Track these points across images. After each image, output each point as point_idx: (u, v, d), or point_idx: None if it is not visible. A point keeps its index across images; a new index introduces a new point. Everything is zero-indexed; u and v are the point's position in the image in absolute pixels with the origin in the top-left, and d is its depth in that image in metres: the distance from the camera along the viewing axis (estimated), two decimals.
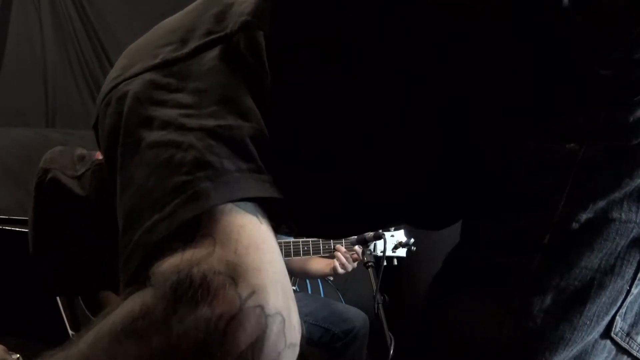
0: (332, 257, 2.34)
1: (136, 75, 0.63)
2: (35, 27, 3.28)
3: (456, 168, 0.69)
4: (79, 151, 0.88)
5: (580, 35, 0.57)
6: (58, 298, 1.42)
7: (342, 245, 2.33)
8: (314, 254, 2.31)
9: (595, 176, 0.57)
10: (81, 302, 2.04)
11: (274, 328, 0.50)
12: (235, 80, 0.60)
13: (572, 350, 0.59)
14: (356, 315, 2.32)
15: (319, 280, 2.86)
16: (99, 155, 0.85)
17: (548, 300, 0.58)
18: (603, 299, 0.59)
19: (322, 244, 2.30)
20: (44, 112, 3.21)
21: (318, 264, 2.40)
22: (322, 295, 2.80)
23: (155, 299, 0.51)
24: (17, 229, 1.44)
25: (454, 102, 0.66)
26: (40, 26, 3.28)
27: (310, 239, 2.27)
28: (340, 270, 2.29)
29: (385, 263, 2.09)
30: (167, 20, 0.74)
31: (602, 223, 0.57)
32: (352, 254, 2.31)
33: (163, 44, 0.66)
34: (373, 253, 2.23)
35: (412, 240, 2.38)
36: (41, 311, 1.41)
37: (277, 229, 0.71)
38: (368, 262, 2.12)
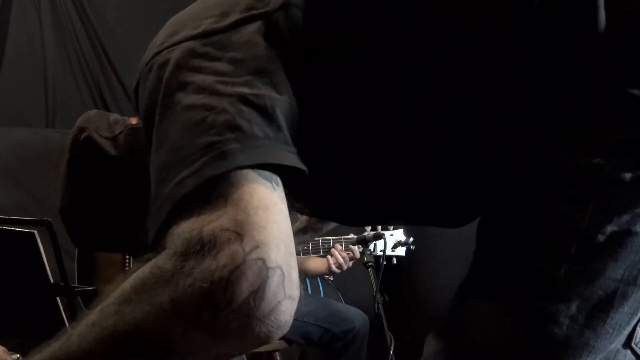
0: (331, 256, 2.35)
1: (178, 43, 0.66)
2: (35, 27, 3.28)
3: (460, 168, 0.70)
4: (114, 116, 0.95)
5: (611, 57, 0.59)
6: (58, 298, 1.42)
7: (342, 245, 2.33)
8: (313, 253, 2.32)
9: (620, 190, 0.59)
10: (81, 303, 2.04)
11: (275, 279, 0.52)
12: (271, 54, 0.63)
13: (595, 358, 0.62)
14: (356, 315, 2.32)
15: (319, 280, 2.86)
16: (133, 120, 0.91)
17: (573, 308, 0.60)
18: (625, 309, 0.61)
19: (322, 243, 2.30)
20: (44, 112, 3.21)
21: (315, 263, 2.40)
22: (322, 295, 2.80)
23: (165, 258, 0.54)
24: (17, 229, 1.44)
25: (457, 103, 0.66)
26: (40, 26, 3.28)
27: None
28: (335, 269, 2.30)
29: (385, 262, 2.09)
30: None
31: (626, 236, 0.59)
32: (349, 253, 2.32)
33: (205, 16, 0.68)
34: (373, 253, 2.23)
35: (412, 239, 2.38)
36: (41, 311, 1.42)
37: (293, 204, 0.76)
38: (368, 262, 2.12)
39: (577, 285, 0.61)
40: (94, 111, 0.98)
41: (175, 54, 0.64)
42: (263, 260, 0.52)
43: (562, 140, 0.61)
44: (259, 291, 0.51)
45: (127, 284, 0.56)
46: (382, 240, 2.06)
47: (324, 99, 0.68)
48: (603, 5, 0.60)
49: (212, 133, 0.57)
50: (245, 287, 0.51)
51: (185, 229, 0.54)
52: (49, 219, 1.40)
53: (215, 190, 0.55)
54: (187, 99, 0.60)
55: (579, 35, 0.61)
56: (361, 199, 0.77)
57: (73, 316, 1.36)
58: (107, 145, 0.89)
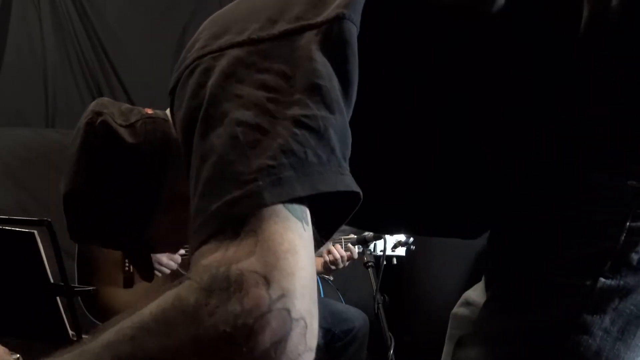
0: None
1: (222, 49, 0.64)
2: (35, 27, 3.28)
3: (473, 180, 0.71)
4: (125, 105, 0.92)
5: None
6: (58, 298, 1.42)
7: (342, 245, 2.34)
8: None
9: None
10: (81, 303, 2.04)
11: (297, 331, 0.52)
12: (323, 69, 0.61)
13: None
14: (356, 315, 2.32)
15: (319, 280, 2.86)
16: (149, 110, 0.89)
17: (607, 320, 0.64)
18: None
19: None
20: (44, 112, 3.22)
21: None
22: (322, 295, 2.80)
23: (189, 291, 0.53)
24: (17, 229, 1.44)
25: (468, 112, 0.68)
26: (40, 26, 3.28)
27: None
28: (331, 265, 2.31)
29: (385, 262, 2.09)
30: None
31: None
32: (348, 253, 2.33)
33: (250, 20, 0.66)
34: (373, 253, 2.23)
35: (412, 239, 2.39)
36: (41, 311, 1.41)
37: None
38: (368, 262, 2.13)
39: (611, 299, 0.64)
40: (106, 98, 0.93)
41: (221, 62, 0.62)
42: (288, 311, 0.51)
43: (598, 164, 0.65)
44: (281, 343, 0.51)
45: (147, 310, 0.55)
46: (382, 240, 2.07)
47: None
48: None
49: (266, 156, 0.56)
50: (268, 338, 0.50)
51: (213, 262, 0.53)
52: (49, 219, 1.40)
53: (248, 222, 0.54)
54: (237, 113, 0.58)
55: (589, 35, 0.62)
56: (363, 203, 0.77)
57: (73, 316, 1.36)
58: (124, 133, 0.85)
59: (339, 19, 0.62)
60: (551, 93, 0.64)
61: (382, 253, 2.05)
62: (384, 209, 0.79)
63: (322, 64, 0.60)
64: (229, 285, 0.51)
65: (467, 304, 0.83)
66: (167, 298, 0.54)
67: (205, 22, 0.73)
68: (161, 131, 0.85)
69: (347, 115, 0.63)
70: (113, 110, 0.87)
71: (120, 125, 0.85)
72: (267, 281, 0.51)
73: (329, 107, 0.59)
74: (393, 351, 1.89)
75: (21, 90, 3.24)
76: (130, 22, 3.29)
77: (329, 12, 0.63)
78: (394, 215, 0.82)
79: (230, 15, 0.71)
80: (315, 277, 0.56)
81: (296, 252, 0.53)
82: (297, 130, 0.57)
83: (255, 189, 0.54)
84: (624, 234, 0.63)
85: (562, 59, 0.64)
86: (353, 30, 0.63)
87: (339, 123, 0.60)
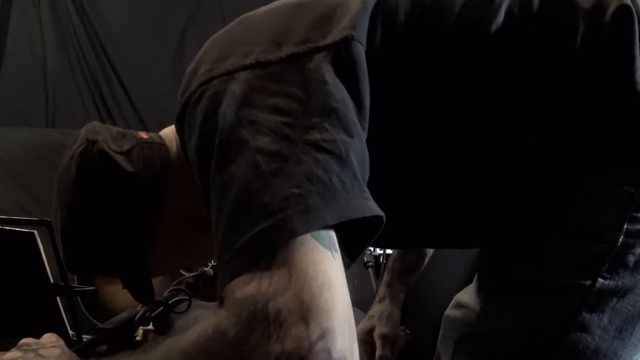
0: None
1: (229, 72, 0.63)
2: (35, 27, 3.28)
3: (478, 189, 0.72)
4: (115, 129, 0.87)
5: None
6: (58, 298, 1.42)
7: None
8: None
9: None
10: (81, 303, 2.04)
11: None
12: (336, 91, 0.61)
13: None
14: (356, 315, 2.31)
15: None
16: (143, 134, 0.85)
17: (605, 319, 0.66)
18: None
19: None
20: (44, 112, 3.22)
21: None
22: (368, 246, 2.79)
23: (229, 324, 0.54)
24: (17, 229, 1.44)
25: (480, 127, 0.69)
26: (40, 26, 3.28)
27: None
28: None
29: (385, 261, 2.08)
30: (253, 14, 0.73)
31: None
32: None
33: (254, 42, 0.65)
34: (373, 253, 2.23)
35: None
36: (41, 311, 1.41)
37: None
38: (368, 262, 2.12)
39: (609, 299, 0.66)
40: (96, 122, 0.88)
41: (231, 87, 0.62)
42: (329, 352, 0.52)
43: (596, 170, 0.66)
44: None
45: (187, 342, 0.56)
46: None
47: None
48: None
49: (292, 184, 0.55)
50: None
51: (249, 297, 0.53)
52: (49, 219, 1.40)
53: (279, 254, 0.54)
54: (255, 141, 0.58)
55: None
56: None
57: (73, 316, 1.36)
58: (121, 161, 0.80)
59: (347, 40, 0.63)
60: (550, 104, 0.66)
61: (381, 252, 2.04)
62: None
63: (335, 86, 0.61)
64: (268, 324, 0.51)
65: (460, 306, 0.84)
66: (207, 328, 0.55)
67: (205, 46, 0.72)
68: (159, 157, 0.82)
69: (364, 135, 0.63)
70: (106, 136, 0.83)
71: (117, 152, 0.81)
72: (306, 320, 0.51)
73: (347, 130, 0.60)
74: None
75: (21, 90, 3.24)
76: (130, 22, 3.29)
77: (336, 34, 0.63)
78: (392, 225, 0.82)
79: (230, 37, 0.70)
80: (351, 307, 0.56)
81: (331, 286, 0.54)
82: (319, 156, 0.57)
83: (285, 219, 0.54)
84: (621, 237, 0.65)
85: (559, 71, 0.66)
86: (361, 50, 0.64)
87: (358, 146, 0.60)
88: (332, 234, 0.57)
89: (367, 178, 0.62)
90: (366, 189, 0.60)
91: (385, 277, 1.41)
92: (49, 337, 0.84)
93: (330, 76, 0.61)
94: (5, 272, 1.49)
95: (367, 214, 0.57)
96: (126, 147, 0.82)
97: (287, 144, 0.57)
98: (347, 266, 0.59)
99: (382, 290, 1.36)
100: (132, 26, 3.28)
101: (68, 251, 0.85)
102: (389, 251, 2.36)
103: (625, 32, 0.64)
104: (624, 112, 0.65)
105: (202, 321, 0.57)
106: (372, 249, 2.28)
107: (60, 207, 0.82)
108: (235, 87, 0.61)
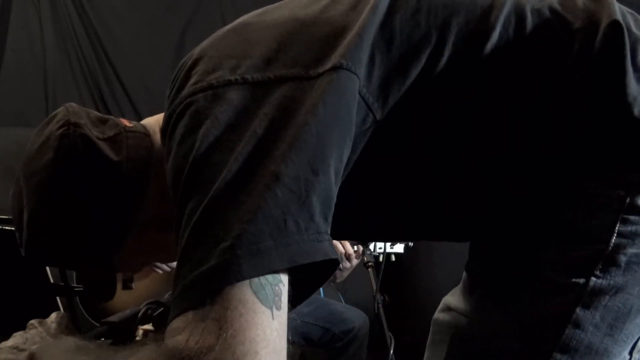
0: None
1: (212, 87, 0.62)
2: (35, 27, 3.28)
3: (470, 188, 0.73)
4: (95, 113, 0.82)
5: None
6: (58, 298, 1.43)
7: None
8: None
9: (639, 219, 0.67)
10: (80, 304, 2.04)
11: None
12: (315, 123, 0.60)
13: None
14: (356, 315, 2.32)
15: None
16: (126, 122, 0.80)
17: (597, 317, 0.68)
18: (636, 320, 0.70)
19: None
20: (44, 112, 3.21)
21: None
22: (322, 295, 2.80)
23: None
24: None
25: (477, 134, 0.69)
26: (40, 26, 3.28)
27: None
28: (345, 262, 2.27)
29: (384, 260, 2.09)
30: (252, 21, 0.71)
31: None
32: (356, 251, 2.31)
33: (243, 55, 0.65)
34: (372, 253, 2.23)
35: None
36: (41, 311, 1.42)
37: None
38: (368, 262, 2.13)
39: (602, 297, 0.68)
40: (74, 104, 0.82)
41: (215, 110, 0.61)
42: None
43: (589, 175, 0.68)
44: None
45: None
46: None
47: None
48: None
49: (247, 220, 0.55)
50: None
51: (177, 349, 0.54)
52: None
53: (216, 304, 0.54)
54: (226, 170, 0.57)
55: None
56: (360, 215, 0.78)
57: (73, 316, 1.36)
58: (105, 148, 0.74)
59: (336, 69, 0.62)
60: (545, 112, 0.68)
61: (381, 251, 2.05)
62: (378, 219, 0.80)
63: (313, 116, 0.60)
64: None
65: (448, 309, 0.84)
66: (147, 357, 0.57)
67: (198, 50, 0.70)
68: (144, 148, 0.77)
69: (337, 165, 0.62)
70: (87, 120, 0.77)
71: (99, 139, 0.75)
72: None
73: (313, 168, 0.59)
74: (393, 351, 1.89)
75: (21, 90, 3.24)
76: (130, 22, 3.29)
77: (327, 62, 0.63)
78: (388, 224, 0.82)
79: (223, 45, 0.69)
80: None
81: (256, 354, 0.54)
82: (278, 192, 0.56)
83: (232, 260, 0.54)
84: (614, 238, 0.67)
85: (554, 84, 0.68)
86: (351, 79, 0.63)
87: (322, 185, 0.60)
88: (280, 277, 0.57)
89: (329, 216, 0.61)
90: (324, 228, 0.60)
91: None
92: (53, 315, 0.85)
93: (311, 105, 0.60)
94: (5, 272, 1.49)
95: (318, 259, 0.58)
96: (109, 133, 0.76)
97: (254, 175, 0.57)
98: (293, 307, 0.60)
99: None
100: (132, 26, 3.28)
101: (31, 236, 0.78)
102: (389, 251, 2.37)
103: (617, 47, 0.66)
104: (615, 122, 0.67)
105: (146, 349, 0.59)
106: (372, 248, 2.28)
107: (29, 191, 0.76)
108: (219, 111, 0.60)
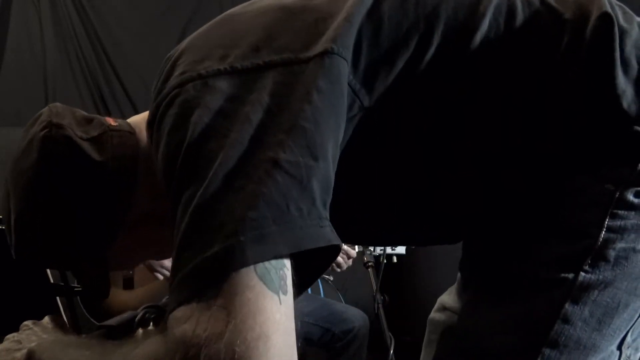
0: None
1: (202, 77, 0.62)
2: (35, 27, 3.28)
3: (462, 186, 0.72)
4: (81, 112, 0.81)
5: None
6: (58, 298, 1.43)
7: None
8: None
9: (628, 212, 0.67)
10: (80, 304, 2.04)
11: None
12: (310, 108, 0.59)
13: (597, 357, 0.70)
14: (356, 315, 2.32)
15: (318, 280, 2.86)
16: (111, 121, 0.78)
17: (586, 312, 0.68)
18: (624, 315, 0.69)
19: None
20: None
21: None
22: (322, 295, 2.80)
23: (163, 353, 0.55)
24: None
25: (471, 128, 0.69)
26: (40, 26, 3.28)
27: None
28: (336, 268, 2.30)
29: (385, 261, 2.09)
30: (239, 12, 0.71)
31: (631, 252, 0.68)
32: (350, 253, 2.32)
33: (232, 44, 0.64)
34: (373, 253, 2.23)
35: None
36: (41, 311, 1.42)
37: None
38: (368, 262, 2.13)
39: (590, 292, 0.68)
40: (59, 104, 0.81)
41: (204, 96, 0.60)
42: None
43: (580, 168, 0.68)
44: None
45: (133, 357, 0.58)
46: None
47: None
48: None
49: (248, 206, 0.54)
50: None
51: (184, 338, 0.53)
52: None
53: (222, 291, 0.53)
54: (223, 155, 0.56)
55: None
56: (354, 216, 0.77)
57: (73, 316, 1.36)
58: (88, 148, 0.73)
59: (326, 54, 0.61)
60: (538, 106, 0.68)
61: (382, 252, 2.05)
62: (368, 217, 0.80)
63: (308, 102, 0.59)
64: None
65: (443, 308, 0.84)
66: (149, 350, 0.57)
67: (184, 43, 0.69)
68: (129, 146, 0.76)
69: (333, 151, 0.62)
70: (71, 120, 0.76)
71: (83, 139, 0.74)
72: None
73: (313, 153, 0.58)
74: (393, 351, 1.89)
75: (21, 90, 3.24)
76: (130, 22, 3.29)
77: (317, 47, 0.62)
78: (379, 223, 0.82)
79: (210, 37, 0.69)
80: (292, 354, 0.56)
81: (268, 339, 0.53)
82: (279, 178, 0.56)
83: (236, 245, 0.53)
84: (603, 232, 0.67)
85: (545, 76, 0.67)
86: (342, 64, 0.62)
87: (322, 171, 0.59)
88: (284, 262, 0.56)
89: (328, 202, 0.61)
90: (325, 214, 0.59)
91: None
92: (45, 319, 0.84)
93: (304, 90, 0.60)
94: (5, 272, 1.49)
95: (322, 244, 0.57)
96: (93, 133, 0.75)
97: (252, 161, 0.57)
98: (298, 294, 0.59)
99: None
100: (132, 26, 3.28)
101: (20, 239, 0.77)
102: (389, 250, 2.37)
103: (606, 39, 0.66)
104: (604, 115, 0.67)
105: (151, 341, 0.58)
106: (372, 249, 2.28)
107: (16, 192, 0.75)
108: (209, 99, 0.60)
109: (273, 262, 0.55)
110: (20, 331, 0.83)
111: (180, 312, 0.55)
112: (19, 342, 0.81)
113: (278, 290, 0.55)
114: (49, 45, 3.28)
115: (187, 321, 0.54)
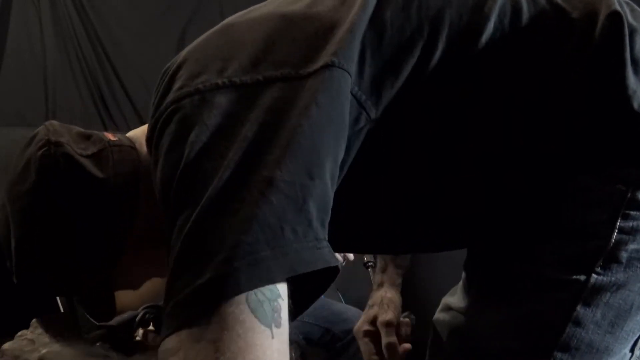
0: None
1: (199, 92, 0.60)
2: (35, 27, 3.28)
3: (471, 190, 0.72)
4: (77, 128, 0.78)
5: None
6: (58, 298, 1.42)
7: None
8: None
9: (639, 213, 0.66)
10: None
11: None
12: (308, 124, 0.57)
13: (611, 359, 0.69)
14: (356, 315, 2.31)
15: None
16: (111, 136, 0.76)
17: (598, 314, 0.67)
18: (637, 317, 0.69)
19: None
20: (44, 112, 3.21)
21: None
22: (322, 295, 2.81)
23: None
24: None
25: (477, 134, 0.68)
26: (40, 26, 3.28)
27: None
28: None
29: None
30: (237, 21, 0.69)
31: None
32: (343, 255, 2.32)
33: (230, 57, 0.62)
34: None
35: None
36: (41, 311, 1.41)
37: None
38: (368, 262, 2.12)
39: (603, 294, 0.67)
40: (55, 122, 0.77)
41: (204, 115, 0.58)
42: None
43: (583, 168, 0.67)
44: None
45: None
46: None
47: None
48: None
49: (242, 230, 0.52)
50: None
51: None
52: None
53: (213, 322, 0.51)
54: (218, 177, 0.55)
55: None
56: (357, 227, 0.76)
57: (73, 316, 1.36)
58: (89, 165, 0.71)
59: (327, 67, 0.60)
60: (542, 106, 0.67)
61: None
62: (373, 225, 0.78)
63: (307, 117, 0.57)
64: None
65: (448, 309, 0.84)
66: None
67: (182, 55, 0.67)
68: (130, 161, 0.74)
69: (332, 168, 0.60)
70: (69, 137, 0.73)
71: (82, 156, 0.71)
72: None
73: (309, 172, 0.56)
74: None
75: (21, 90, 3.24)
76: (130, 22, 3.29)
77: (318, 61, 0.60)
78: (384, 231, 0.80)
79: (209, 47, 0.66)
80: None
81: None
82: (274, 199, 0.54)
83: (230, 272, 0.51)
84: (615, 234, 0.66)
85: (551, 76, 0.66)
86: (343, 77, 0.61)
87: (318, 190, 0.57)
88: (278, 292, 0.54)
89: (326, 221, 0.59)
90: (322, 234, 0.57)
91: (379, 264, 1.41)
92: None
93: (303, 106, 0.58)
94: (5, 272, 1.48)
95: (319, 267, 0.55)
96: (92, 150, 0.73)
97: (247, 182, 0.55)
98: (294, 317, 0.57)
99: (378, 277, 1.35)
100: (132, 26, 3.28)
101: (21, 264, 0.75)
102: None
103: (616, 39, 0.65)
104: (614, 116, 0.65)
105: None
106: None
107: (15, 218, 0.72)
108: (207, 116, 0.58)
109: (267, 292, 0.53)
110: (31, 328, 0.82)
111: (170, 342, 0.53)
112: (32, 341, 0.80)
113: (271, 323, 0.53)
114: (49, 45, 3.28)
115: (175, 354, 0.52)
